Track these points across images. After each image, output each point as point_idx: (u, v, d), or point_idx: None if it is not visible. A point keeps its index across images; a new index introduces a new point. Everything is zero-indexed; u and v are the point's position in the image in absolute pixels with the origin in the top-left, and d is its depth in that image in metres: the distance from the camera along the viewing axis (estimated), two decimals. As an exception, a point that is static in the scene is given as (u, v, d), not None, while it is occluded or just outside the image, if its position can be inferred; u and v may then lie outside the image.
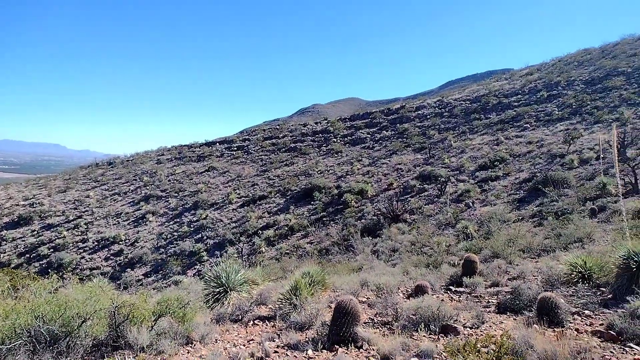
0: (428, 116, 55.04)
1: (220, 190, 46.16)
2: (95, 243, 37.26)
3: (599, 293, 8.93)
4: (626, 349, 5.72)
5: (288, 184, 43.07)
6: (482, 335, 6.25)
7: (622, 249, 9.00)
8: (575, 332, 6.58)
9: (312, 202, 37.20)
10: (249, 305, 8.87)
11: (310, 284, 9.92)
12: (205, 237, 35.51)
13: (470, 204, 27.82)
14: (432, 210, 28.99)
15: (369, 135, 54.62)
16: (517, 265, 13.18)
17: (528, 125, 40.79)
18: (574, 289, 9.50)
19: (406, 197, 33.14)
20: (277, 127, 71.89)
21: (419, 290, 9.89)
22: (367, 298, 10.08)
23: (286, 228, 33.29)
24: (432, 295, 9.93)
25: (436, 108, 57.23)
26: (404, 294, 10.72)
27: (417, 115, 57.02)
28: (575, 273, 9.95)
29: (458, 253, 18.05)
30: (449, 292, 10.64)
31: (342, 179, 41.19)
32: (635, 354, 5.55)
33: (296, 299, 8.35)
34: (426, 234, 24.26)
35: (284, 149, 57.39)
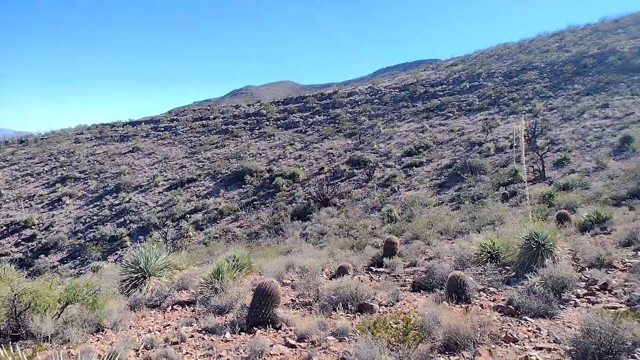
0: (359, 102, 56.08)
1: (145, 172, 44.17)
2: (4, 227, 34.27)
3: (504, 271, 9.73)
4: (522, 321, 6.31)
5: (219, 166, 42.16)
6: (395, 312, 6.59)
7: (525, 230, 9.85)
8: (480, 308, 7.14)
9: (243, 186, 36.77)
10: (169, 290, 8.66)
11: (235, 268, 9.88)
12: (128, 222, 33.93)
13: (396, 188, 28.94)
14: (361, 195, 29.80)
15: (302, 120, 54.69)
16: (435, 246, 13.98)
17: (451, 114, 42.97)
18: (483, 267, 10.27)
19: (336, 181, 33.76)
20: (208, 107, 69.80)
21: (342, 271, 10.21)
22: (291, 280, 10.22)
23: (216, 212, 32.68)
24: (354, 275, 10.29)
25: (367, 95, 58.42)
26: (327, 275, 11.00)
27: (349, 101, 57.89)
28: (484, 253, 10.76)
29: (382, 235, 18.78)
30: (370, 272, 11.07)
31: (274, 162, 41.04)
32: (529, 325, 6.14)
33: (218, 282, 8.27)
34: (354, 217, 24.96)
35: (214, 131, 55.93)
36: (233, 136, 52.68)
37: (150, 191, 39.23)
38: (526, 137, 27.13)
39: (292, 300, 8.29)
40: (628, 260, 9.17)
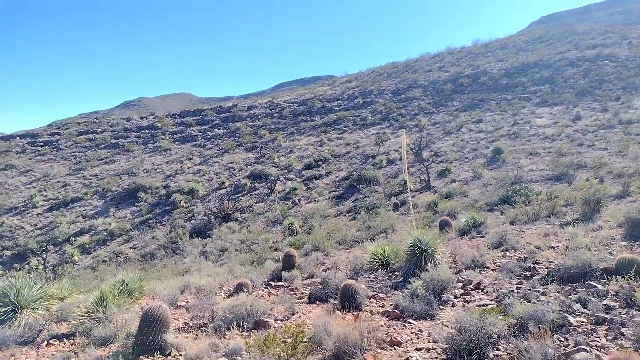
0: (259, 116, 56.13)
1: (21, 192, 39.52)
2: None
3: (393, 277, 10.35)
4: (406, 324, 6.75)
5: (108, 184, 39.20)
6: (286, 326, 6.66)
7: (410, 237, 10.59)
8: (370, 314, 7.50)
9: (137, 204, 34.60)
10: (45, 323, 7.82)
11: (123, 293, 9.24)
12: (0, 249, 30.00)
13: (297, 201, 29.35)
14: (262, 208, 29.70)
15: (200, 133, 53.19)
16: (333, 256, 14.42)
17: (347, 128, 44.88)
18: (375, 274, 10.83)
19: (238, 196, 33.27)
20: (96, 120, 64.75)
21: (240, 288, 10.06)
22: (186, 302, 9.83)
23: (105, 233, 30.27)
24: (253, 292, 10.21)
25: (267, 109, 58.71)
26: (226, 293, 10.76)
27: (249, 114, 57.64)
28: (376, 261, 11.36)
29: (283, 248, 18.86)
30: (269, 287, 11.06)
31: (171, 178, 39.27)
32: (412, 328, 6.59)
33: (102, 311, 7.67)
34: (255, 231, 24.77)
35: (103, 145, 52.00)
36: (124, 151, 49.45)
37: (28, 213, 35.17)
38: (413, 150, 29.28)
39: (185, 323, 7.97)
40: (498, 260, 10.28)
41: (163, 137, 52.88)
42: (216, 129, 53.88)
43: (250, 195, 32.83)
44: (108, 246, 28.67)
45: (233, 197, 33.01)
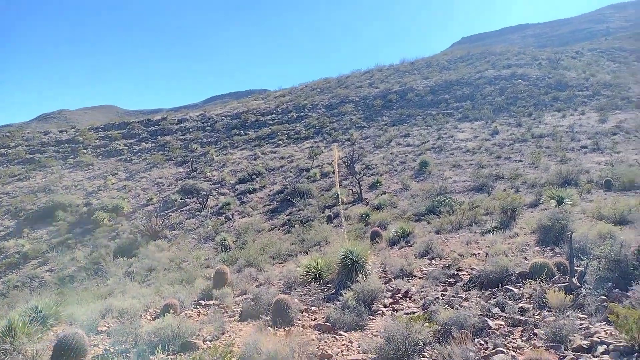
0: (191, 129, 54.62)
1: None
2: None
3: (326, 289, 10.38)
4: (337, 336, 6.78)
5: (21, 202, 36.06)
6: (213, 347, 6.43)
7: (342, 249, 10.71)
8: (302, 328, 7.45)
9: (54, 223, 32.08)
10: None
11: (36, 321, 8.46)
12: None
13: (230, 216, 28.73)
14: (194, 225, 28.73)
15: (126, 147, 50.68)
16: (267, 271, 14.21)
17: (281, 142, 44.88)
18: (308, 288, 10.81)
19: (167, 212, 31.95)
20: (8, 134, 59.60)
21: (167, 310, 9.59)
22: (107, 327, 9.20)
23: (18, 256, 27.69)
24: (181, 312, 9.77)
25: (199, 122, 57.28)
26: (152, 316, 10.21)
27: (179, 128, 55.89)
28: (309, 274, 11.35)
29: (216, 266, 18.33)
30: (199, 306, 10.65)
31: (94, 195, 36.93)
32: (343, 340, 6.62)
33: (10, 342, 6.96)
34: (186, 248, 23.88)
35: (16, 161, 47.92)
36: (41, 166, 45.87)
37: None
38: (346, 163, 29.85)
39: (105, 349, 7.43)
40: (425, 268, 10.68)
41: (85, 151, 49.78)
42: (144, 143, 51.64)
43: (181, 211, 31.67)
44: (21, 270, 26.23)
45: (162, 213, 31.65)
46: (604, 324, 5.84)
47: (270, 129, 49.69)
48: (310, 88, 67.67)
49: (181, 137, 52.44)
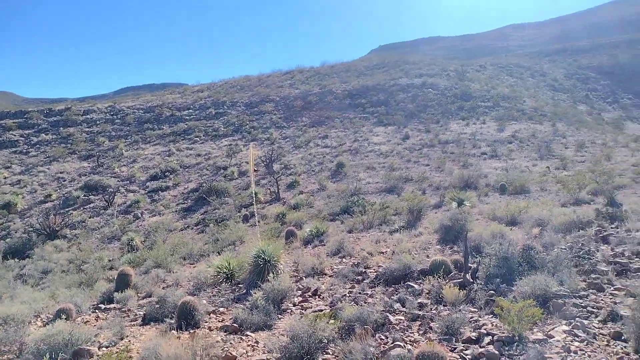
0: (98, 122, 50.93)
1: None
2: None
3: (237, 290, 10.22)
4: (244, 337, 6.69)
5: None
6: (108, 353, 6.06)
7: (255, 249, 10.62)
8: (208, 330, 7.26)
9: None
10: None
11: None
12: None
13: (140, 214, 27.22)
14: (98, 223, 26.80)
15: (22, 138, 45.98)
16: (176, 272, 13.65)
17: (198, 138, 43.47)
18: (218, 289, 10.57)
19: (68, 210, 29.46)
20: None
21: (60, 315, 8.84)
22: (-13, 336, 8.25)
23: None
24: (77, 317, 9.07)
25: (108, 114, 53.59)
26: (43, 322, 9.36)
27: (85, 119, 51.84)
28: (221, 274, 11.10)
29: (120, 267, 17.26)
30: (98, 310, 9.96)
31: (-20, 190, 32.98)
32: (249, 340, 6.55)
33: None
34: (88, 249, 22.19)
35: None
36: None
37: None
38: (265, 162, 29.71)
39: (-18, 362, 6.68)
40: (335, 267, 10.92)
41: (-29, 141, 44.36)
42: (43, 134, 47.20)
43: (84, 209, 29.39)
44: None
45: (62, 211, 29.12)
46: (491, 317, 6.38)
47: (186, 124, 47.95)
48: (230, 85, 66.38)
49: (87, 129, 48.75)
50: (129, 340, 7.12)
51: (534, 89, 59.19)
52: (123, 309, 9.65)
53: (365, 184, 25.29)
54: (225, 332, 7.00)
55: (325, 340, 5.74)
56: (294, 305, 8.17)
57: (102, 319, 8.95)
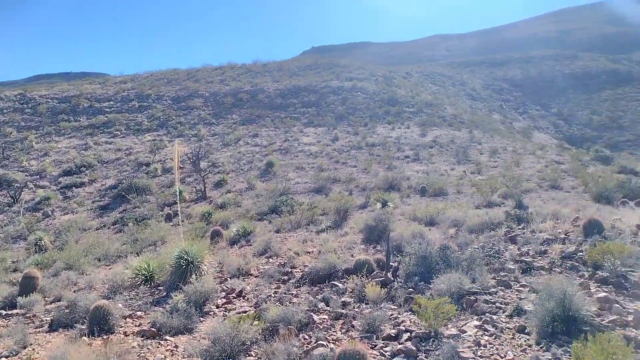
0: (5, 110, 46.39)
1: None
2: None
3: (156, 292, 9.78)
4: (162, 342, 6.41)
5: None
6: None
7: (177, 249, 10.23)
8: (124, 336, 6.86)
9: None
10: None
11: None
12: None
13: (50, 212, 25.15)
14: (2, 222, 24.40)
15: None
16: (89, 274, 12.80)
17: (119, 132, 41.05)
18: (136, 292, 10.04)
19: (-36, 206, 26.50)
20: None
21: (-50, 325, 7.93)
22: None
23: None
24: (-29, 326, 8.17)
25: (17, 102, 48.99)
26: None
27: (-12, 106, 46.98)
28: (139, 276, 10.56)
29: (26, 269, 15.83)
30: (-3, 318, 9.04)
31: None
32: (168, 345, 6.29)
33: None
34: (-12, 250, 20.12)
35: None
36: None
37: None
38: (191, 160, 28.77)
39: None
40: (262, 267, 10.84)
41: None
42: (-64, 121, 42.13)
43: (-15, 205, 26.60)
44: None
45: (-43, 207, 26.15)
46: (410, 314, 6.65)
47: (106, 117, 45.11)
48: (156, 77, 63.46)
49: (-10, 118, 44.23)
50: (33, 349, 6.54)
51: (454, 97, 62.88)
52: (27, 315, 8.85)
53: (295, 183, 25.38)
54: (142, 337, 6.66)
55: (249, 342, 5.67)
56: (217, 307, 7.98)
57: (3, 327, 8.14)
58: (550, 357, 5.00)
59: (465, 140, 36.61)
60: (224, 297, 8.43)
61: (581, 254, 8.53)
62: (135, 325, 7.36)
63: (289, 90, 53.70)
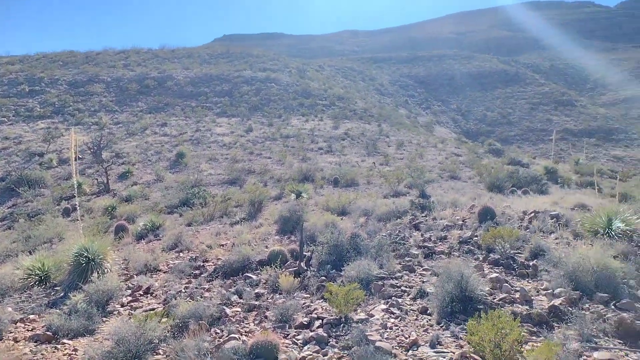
0: None
1: None
2: None
3: (52, 293, 8.99)
4: (59, 346, 5.93)
5: None
6: None
7: (76, 246, 9.48)
8: (13, 342, 6.24)
9: None
10: None
11: None
12: None
13: None
14: None
15: None
16: (-30, 278, 11.39)
17: (6, 119, 36.71)
18: (29, 293, 9.15)
19: None
20: None
21: None
22: None
23: None
24: None
25: None
26: None
27: None
28: (32, 276, 9.63)
29: None
30: None
31: None
32: (66, 349, 5.83)
33: None
34: None
35: None
36: None
37: None
38: (92, 150, 26.70)
39: None
40: (172, 262, 10.43)
41: None
42: None
43: None
44: None
45: None
46: (322, 302, 6.83)
47: (-11, 101, 40.17)
48: (50, 59, 57.73)
49: None
50: None
51: (364, 92, 65.15)
52: None
53: (207, 175, 24.68)
54: (35, 342, 6.10)
55: (157, 341, 5.45)
56: (123, 306, 7.55)
57: None
58: (449, 335, 5.43)
59: (374, 133, 38.11)
60: (129, 295, 8.00)
61: (476, 238, 9.36)
62: (28, 330, 6.71)
63: (200, 79, 51.90)
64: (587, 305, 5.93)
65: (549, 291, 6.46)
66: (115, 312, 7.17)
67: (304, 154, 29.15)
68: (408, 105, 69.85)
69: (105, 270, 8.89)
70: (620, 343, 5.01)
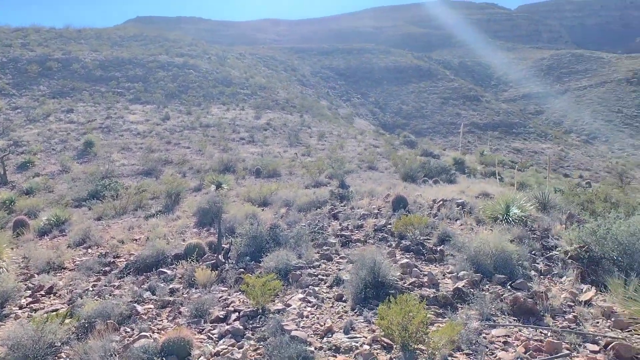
0: None
1: None
2: None
3: None
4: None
5: None
6: None
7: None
8: None
9: None
10: None
11: None
12: None
13: None
14: None
15: None
16: None
17: None
18: None
19: None
20: None
21: None
22: None
23: None
24: None
25: None
26: None
27: None
28: None
29: None
30: None
31: None
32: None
33: None
34: None
35: None
36: None
37: None
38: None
39: None
40: (78, 259, 9.76)
41: None
42: None
43: None
44: None
45: None
46: (240, 294, 6.78)
47: None
48: None
49: None
50: None
51: (286, 82, 65.05)
52: None
53: (120, 165, 23.31)
54: None
55: (59, 343, 5.10)
56: (21, 308, 6.95)
57: None
58: (362, 321, 5.66)
59: (296, 124, 38.29)
60: (29, 296, 7.37)
61: (390, 226, 9.80)
62: None
63: (111, 62, 48.63)
64: (487, 286, 6.49)
65: (453, 274, 6.96)
66: (12, 315, 6.58)
67: (225, 144, 28.54)
68: (329, 97, 70.94)
69: (1, 269, 8.10)
70: (515, 320, 5.56)
